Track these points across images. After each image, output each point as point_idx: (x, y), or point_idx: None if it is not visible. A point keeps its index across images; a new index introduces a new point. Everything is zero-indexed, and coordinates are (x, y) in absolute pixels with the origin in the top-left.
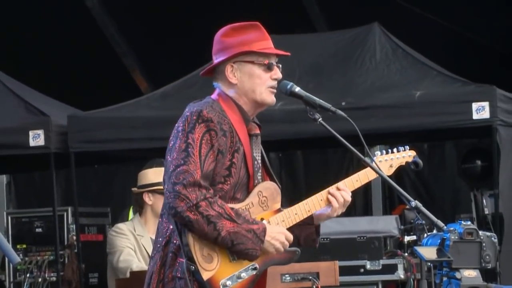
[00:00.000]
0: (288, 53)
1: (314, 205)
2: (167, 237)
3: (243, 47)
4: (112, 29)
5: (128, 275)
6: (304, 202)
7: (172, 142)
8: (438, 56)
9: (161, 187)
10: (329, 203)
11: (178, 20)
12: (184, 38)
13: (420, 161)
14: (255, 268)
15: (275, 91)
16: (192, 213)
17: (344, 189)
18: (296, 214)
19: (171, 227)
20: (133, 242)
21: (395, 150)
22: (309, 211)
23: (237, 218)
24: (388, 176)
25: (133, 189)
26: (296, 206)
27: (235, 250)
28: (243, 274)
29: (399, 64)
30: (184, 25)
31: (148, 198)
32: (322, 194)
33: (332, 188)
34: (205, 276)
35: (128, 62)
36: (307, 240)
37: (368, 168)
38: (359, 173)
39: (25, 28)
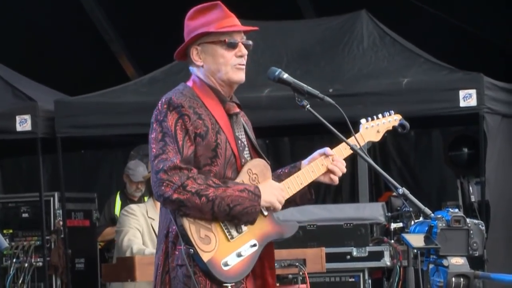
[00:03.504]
0: (254, 28)
1: (306, 177)
2: (166, 228)
3: (203, 29)
4: (99, 15)
5: (127, 254)
6: (296, 175)
7: (149, 135)
8: (426, 44)
9: None
10: (321, 173)
11: (165, 5)
12: (171, 24)
13: (406, 123)
14: (254, 245)
15: (243, 67)
16: (181, 194)
17: (335, 157)
18: (288, 187)
19: (169, 218)
20: (142, 224)
21: (380, 115)
22: (301, 183)
23: (225, 184)
24: (376, 141)
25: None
26: (288, 180)
27: (234, 214)
28: (243, 252)
29: (387, 51)
30: (171, 10)
31: None
32: (313, 165)
33: (323, 160)
34: (205, 257)
35: (116, 48)
36: (303, 198)
37: (353, 137)
38: (347, 140)
39: (12, 14)
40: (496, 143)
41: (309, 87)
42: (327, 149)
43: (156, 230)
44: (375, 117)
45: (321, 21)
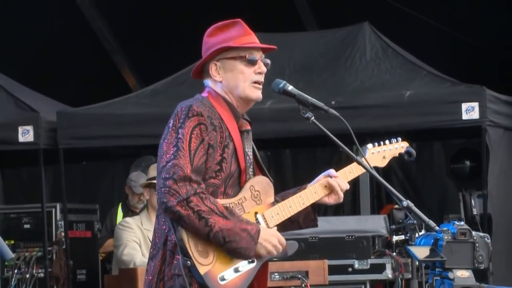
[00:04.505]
0: (274, 47)
1: (308, 198)
2: (165, 236)
3: (223, 44)
4: (101, 25)
5: (130, 267)
6: (298, 195)
7: (163, 139)
8: (428, 56)
9: (153, 181)
10: (326, 193)
11: (167, 17)
12: (174, 36)
13: (413, 151)
14: (252, 261)
15: (260, 86)
16: (183, 208)
17: (337, 176)
18: (290, 207)
19: (168, 226)
20: (139, 236)
21: (387, 141)
22: (303, 204)
23: (230, 215)
24: (381, 167)
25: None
26: (290, 199)
27: (227, 248)
28: (240, 268)
29: (389, 63)
30: (173, 22)
31: (146, 193)
32: (316, 186)
33: (326, 181)
34: (202, 270)
35: (118, 59)
36: (307, 221)
37: (362, 159)
38: (352, 165)
39: (14, 24)
40: (498, 156)
41: (313, 99)
42: (331, 171)
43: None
44: (381, 142)
45: (324, 33)
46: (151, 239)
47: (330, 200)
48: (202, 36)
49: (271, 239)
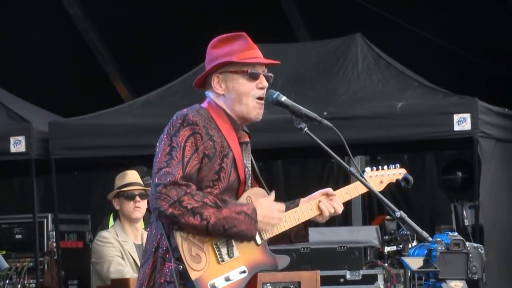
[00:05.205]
0: (277, 62)
1: (304, 214)
2: (156, 242)
3: (226, 58)
4: (93, 36)
5: None
6: (294, 210)
7: (157, 147)
8: (421, 67)
9: (123, 190)
10: (319, 213)
11: (159, 28)
12: (166, 47)
13: (410, 178)
14: (243, 272)
15: (262, 102)
16: (176, 208)
17: (335, 198)
18: (285, 221)
19: (160, 232)
20: (119, 249)
21: (385, 166)
22: (298, 219)
23: (223, 203)
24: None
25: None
26: (286, 213)
27: (229, 235)
28: (231, 277)
29: (381, 74)
30: (165, 33)
31: (116, 203)
32: (312, 203)
33: (322, 198)
34: (193, 275)
35: (109, 69)
36: (298, 236)
37: (359, 182)
38: (349, 186)
39: (6, 35)
40: (490, 167)
41: (307, 110)
42: (329, 190)
43: (131, 252)
44: (380, 167)
45: (316, 44)
46: (129, 251)
47: (320, 218)
48: (194, 47)
49: (271, 213)
